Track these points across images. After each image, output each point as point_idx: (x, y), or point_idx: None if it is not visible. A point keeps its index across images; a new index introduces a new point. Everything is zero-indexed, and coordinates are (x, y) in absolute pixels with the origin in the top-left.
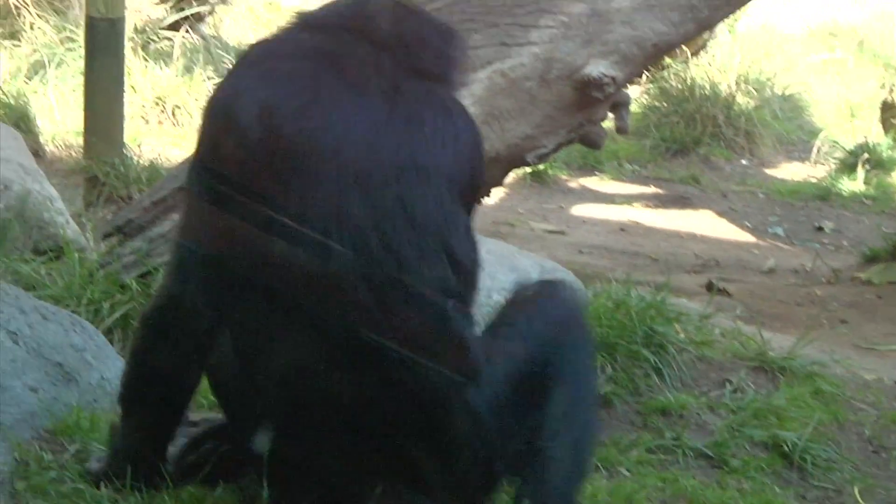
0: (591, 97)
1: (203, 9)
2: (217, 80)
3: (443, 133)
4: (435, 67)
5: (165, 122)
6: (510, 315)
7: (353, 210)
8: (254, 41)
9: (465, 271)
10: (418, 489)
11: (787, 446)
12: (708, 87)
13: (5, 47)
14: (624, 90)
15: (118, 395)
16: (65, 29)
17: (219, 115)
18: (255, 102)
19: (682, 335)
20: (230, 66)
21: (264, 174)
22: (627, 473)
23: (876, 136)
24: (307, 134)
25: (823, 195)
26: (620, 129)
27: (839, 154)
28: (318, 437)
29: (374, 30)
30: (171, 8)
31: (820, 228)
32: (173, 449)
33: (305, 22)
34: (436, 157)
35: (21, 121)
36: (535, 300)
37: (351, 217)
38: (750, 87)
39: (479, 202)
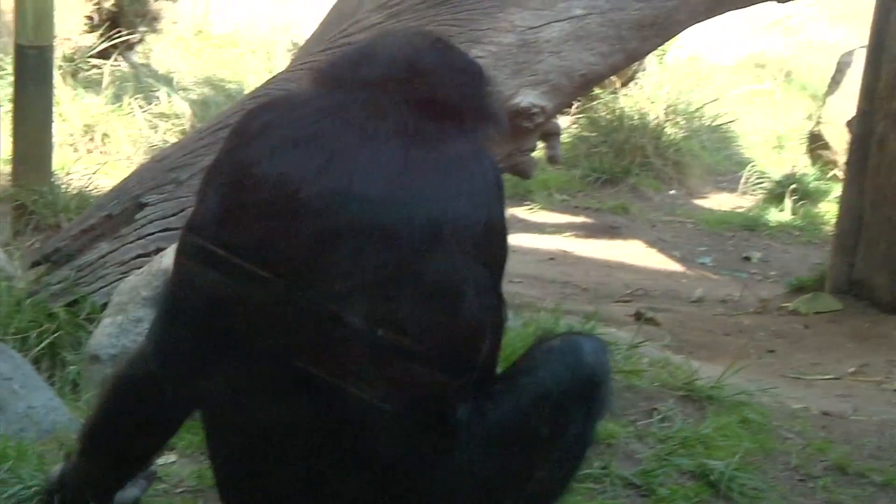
0: (520, 127)
1: (132, 37)
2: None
3: (461, 187)
4: (456, 113)
5: (94, 151)
6: (525, 367)
7: (360, 261)
8: (259, 103)
9: (468, 334)
10: None
11: (715, 475)
12: (637, 117)
13: None
14: (554, 120)
15: (80, 432)
16: None
17: (225, 178)
18: (265, 166)
19: (611, 364)
20: (237, 125)
21: (268, 237)
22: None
23: (803, 166)
24: (317, 196)
25: (751, 225)
26: (552, 159)
27: (767, 184)
28: (282, 485)
29: (402, 84)
30: (100, 36)
31: (748, 258)
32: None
33: (321, 76)
34: (452, 213)
35: None
36: (554, 354)
37: (356, 267)
38: (678, 118)
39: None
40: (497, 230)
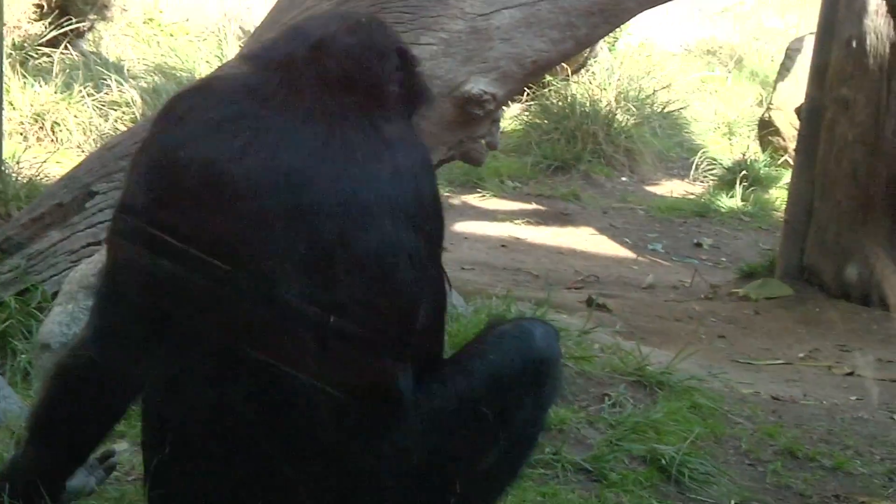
0: (471, 114)
1: (82, 25)
2: (97, 98)
3: (383, 162)
4: (375, 91)
5: (45, 139)
6: (475, 351)
7: (288, 238)
8: (184, 88)
9: (403, 306)
10: None
11: (665, 460)
12: (588, 104)
13: None
14: None
15: (27, 420)
16: None
17: (153, 162)
18: (190, 149)
19: (561, 350)
20: (163, 109)
21: (198, 219)
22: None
23: (753, 153)
24: (242, 177)
25: (702, 212)
26: (490, 145)
27: (717, 171)
28: (225, 467)
29: (316, 63)
30: (49, 24)
31: (698, 245)
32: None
33: (246, 60)
34: (375, 188)
35: None
36: (505, 339)
37: (285, 246)
38: (630, 105)
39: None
40: (427, 204)
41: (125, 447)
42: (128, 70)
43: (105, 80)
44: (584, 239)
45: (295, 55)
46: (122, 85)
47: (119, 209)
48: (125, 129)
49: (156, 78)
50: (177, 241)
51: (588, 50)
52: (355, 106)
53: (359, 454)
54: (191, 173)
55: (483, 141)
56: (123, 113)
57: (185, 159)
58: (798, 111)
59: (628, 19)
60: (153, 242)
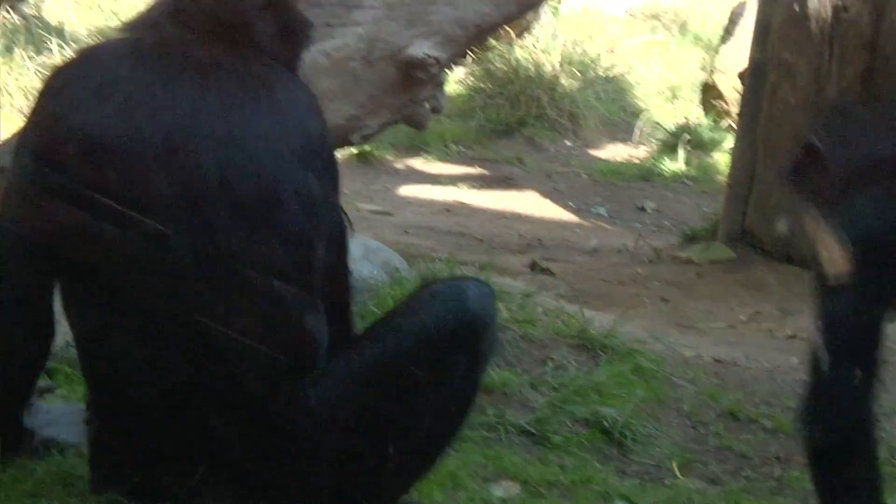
0: (414, 77)
1: None
2: (39, 62)
3: (259, 103)
4: (253, 37)
5: None
6: (407, 309)
7: (172, 190)
8: (68, 59)
9: (299, 247)
10: (245, 481)
11: (608, 422)
12: (532, 68)
13: None
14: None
15: None
16: None
17: (46, 103)
18: (71, 117)
19: (505, 314)
20: (47, 78)
21: (85, 159)
22: (450, 451)
23: (697, 117)
24: (123, 137)
25: (645, 176)
26: (434, 109)
27: (661, 135)
28: (143, 418)
29: (194, 17)
30: None
31: (642, 208)
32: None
33: (125, 25)
34: (252, 130)
35: None
36: (438, 298)
37: (170, 197)
38: (573, 69)
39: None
40: (316, 142)
41: None
42: (70, 33)
43: (47, 43)
44: (528, 203)
45: (165, 12)
46: (63, 49)
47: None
48: None
49: (98, 41)
50: (57, 174)
51: (532, 13)
52: (227, 50)
53: (278, 402)
54: (74, 140)
55: (428, 105)
56: None
57: (65, 128)
58: (741, 75)
59: None
60: (41, 173)
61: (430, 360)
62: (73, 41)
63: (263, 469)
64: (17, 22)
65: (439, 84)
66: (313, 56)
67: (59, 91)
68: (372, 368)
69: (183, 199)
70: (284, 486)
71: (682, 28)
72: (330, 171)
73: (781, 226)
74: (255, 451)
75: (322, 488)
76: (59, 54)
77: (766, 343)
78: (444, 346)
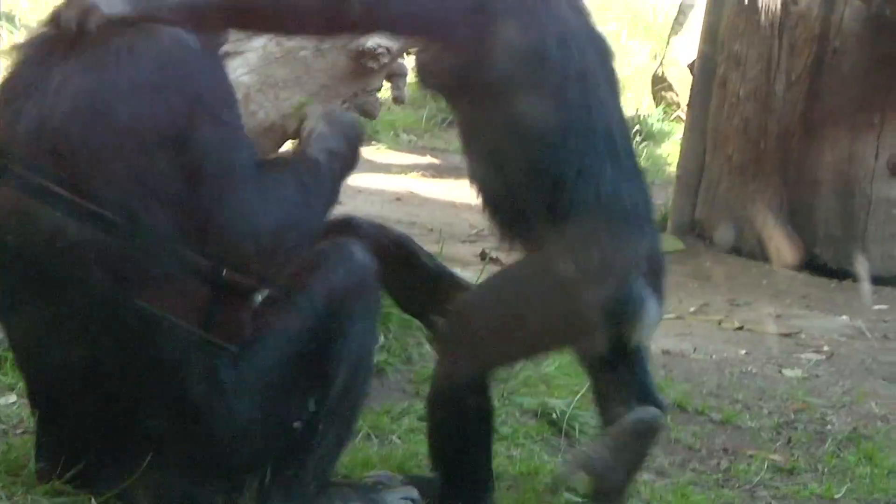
0: (366, 67)
1: None
2: None
3: (117, 63)
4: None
5: None
6: (295, 280)
7: (37, 151)
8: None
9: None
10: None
11: (556, 414)
12: None
13: None
14: (400, 61)
15: None
16: None
17: None
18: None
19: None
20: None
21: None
22: (399, 441)
23: (647, 108)
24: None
25: None
26: (397, 99)
27: None
28: (74, 405)
29: None
30: None
31: None
32: None
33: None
34: (109, 108)
35: None
36: (323, 264)
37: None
38: None
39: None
40: (170, 98)
41: (13, 400)
42: (19, 19)
43: None
44: None
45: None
46: (13, 34)
47: None
48: None
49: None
50: None
51: None
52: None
53: (193, 379)
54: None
55: (391, 94)
56: None
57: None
58: (691, 67)
59: None
60: None
61: (331, 316)
62: (24, 27)
63: (189, 449)
64: None
65: (402, 74)
66: (264, 45)
67: None
68: (279, 336)
69: (55, 170)
70: (212, 465)
71: (633, 19)
72: (206, 111)
73: (727, 235)
74: (178, 431)
75: (249, 464)
76: (7, 40)
77: (714, 334)
78: (339, 300)
